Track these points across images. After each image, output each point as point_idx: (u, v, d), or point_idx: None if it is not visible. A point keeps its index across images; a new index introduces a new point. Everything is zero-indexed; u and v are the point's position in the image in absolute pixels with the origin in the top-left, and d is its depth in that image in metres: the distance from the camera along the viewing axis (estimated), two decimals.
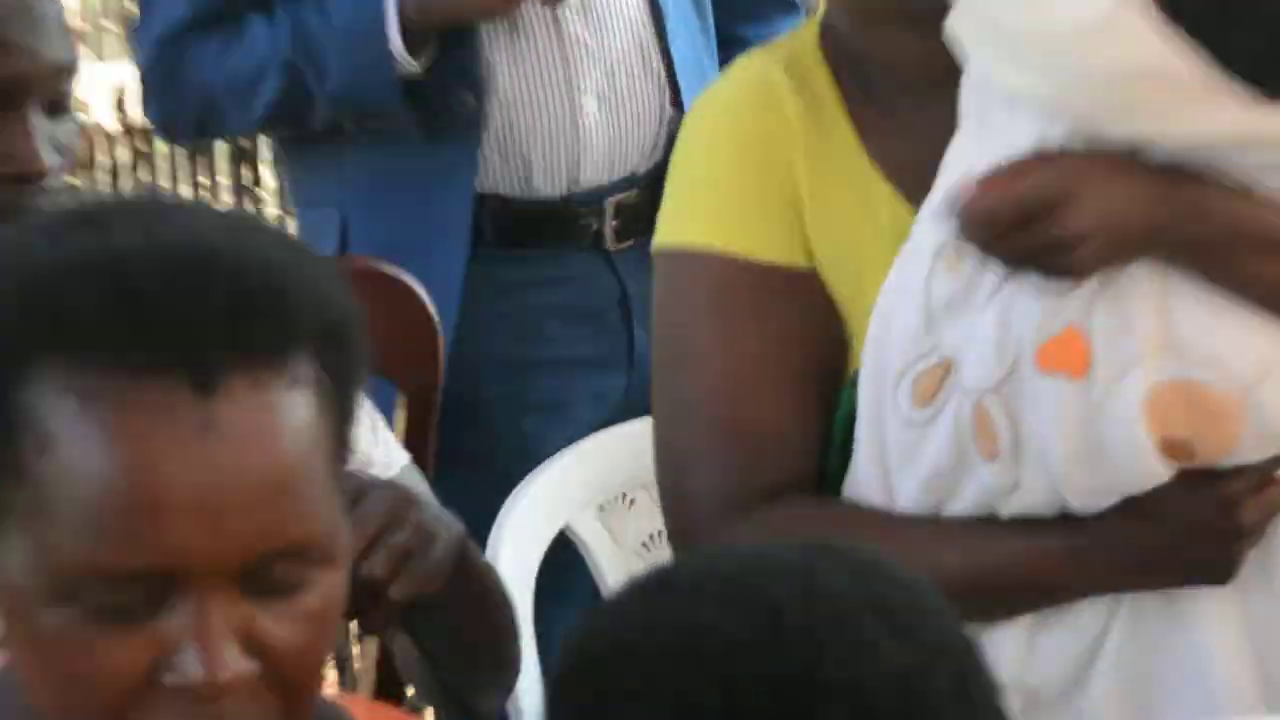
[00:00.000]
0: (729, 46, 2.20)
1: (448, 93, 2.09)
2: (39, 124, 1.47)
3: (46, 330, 0.88)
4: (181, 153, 4.16)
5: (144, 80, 2.22)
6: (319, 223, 2.20)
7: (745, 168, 1.55)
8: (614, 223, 2.16)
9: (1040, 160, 1.34)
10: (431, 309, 1.97)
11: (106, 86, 4.23)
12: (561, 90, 2.13)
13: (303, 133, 2.19)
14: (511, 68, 2.12)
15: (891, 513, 1.46)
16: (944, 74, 1.42)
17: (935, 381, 1.41)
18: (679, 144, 1.62)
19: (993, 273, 1.37)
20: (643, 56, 2.16)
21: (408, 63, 2.06)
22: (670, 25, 2.17)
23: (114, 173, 4.22)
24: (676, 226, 1.58)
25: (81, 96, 3.87)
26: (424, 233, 2.12)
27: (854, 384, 1.50)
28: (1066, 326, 1.35)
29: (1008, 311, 1.37)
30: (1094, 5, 1.29)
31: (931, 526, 1.45)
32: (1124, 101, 1.33)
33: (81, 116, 3.99)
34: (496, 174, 2.13)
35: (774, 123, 1.54)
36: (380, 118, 2.11)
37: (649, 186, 2.10)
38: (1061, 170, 1.34)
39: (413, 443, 1.80)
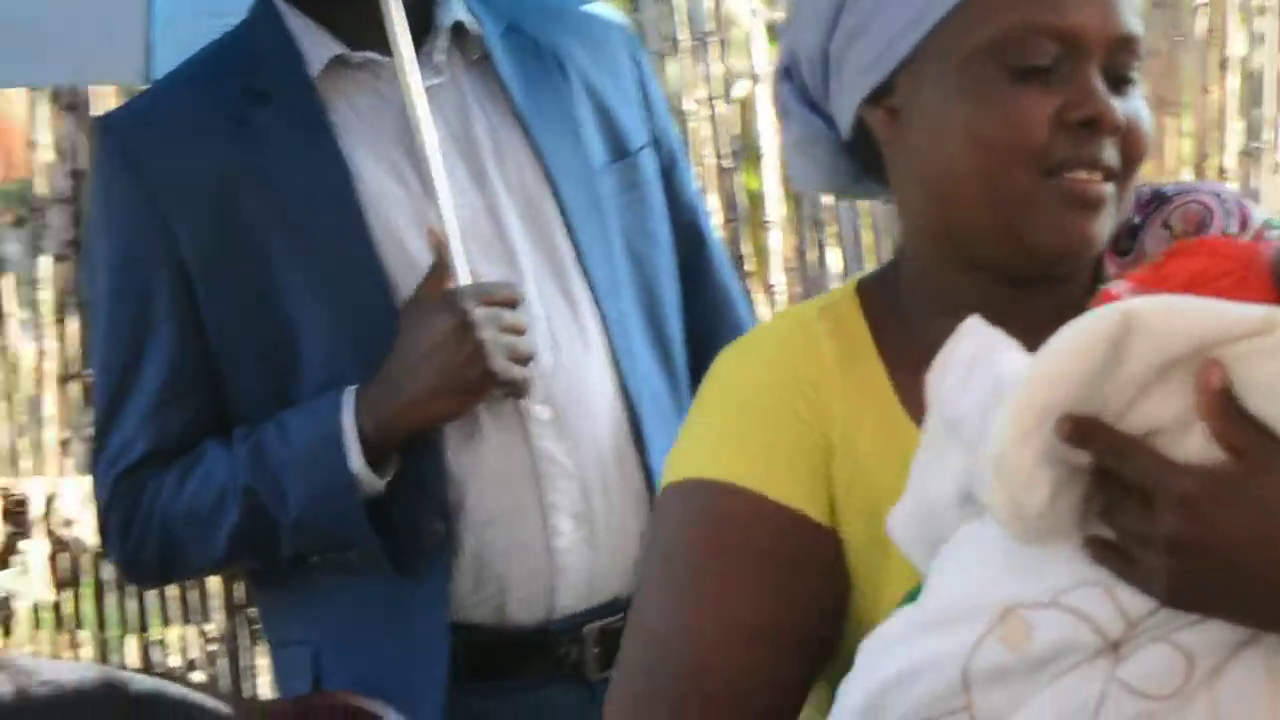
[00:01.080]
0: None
1: (415, 518, 2.06)
2: None
3: None
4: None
5: (103, 522, 2.19)
6: (291, 662, 2.17)
7: (776, 408, 1.49)
8: (595, 650, 2.11)
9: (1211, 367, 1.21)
10: None
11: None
12: (534, 511, 2.10)
13: (270, 565, 2.14)
14: (481, 488, 2.09)
15: None
16: (1001, 312, 1.37)
17: None
18: (703, 388, 1.55)
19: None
20: (621, 471, 2.14)
21: (370, 481, 2.04)
22: (647, 431, 2.14)
23: (99, 592, 4.06)
24: (693, 462, 1.50)
25: (69, 514, 3.79)
26: (400, 668, 2.08)
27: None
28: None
29: (1063, 694, 1.23)
30: None
31: None
32: None
33: (67, 534, 3.92)
34: (470, 602, 2.09)
35: (810, 366, 1.50)
36: (346, 545, 2.08)
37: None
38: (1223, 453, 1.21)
39: None
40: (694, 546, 1.47)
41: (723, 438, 1.50)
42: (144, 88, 2.42)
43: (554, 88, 2.19)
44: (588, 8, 2.41)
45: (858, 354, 1.50)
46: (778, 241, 4.14)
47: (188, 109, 2.14)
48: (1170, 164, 4.05)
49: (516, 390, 2.05)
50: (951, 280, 1.47)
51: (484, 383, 2.03)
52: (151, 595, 3.90)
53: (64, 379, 3.75)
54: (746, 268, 4.09)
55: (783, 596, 1.44)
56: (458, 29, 2.16)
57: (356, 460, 2.04)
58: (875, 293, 1.52)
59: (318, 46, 2.12)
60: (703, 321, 2.26)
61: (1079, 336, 1.22)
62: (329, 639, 2.14)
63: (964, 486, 1.28)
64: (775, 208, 4.17)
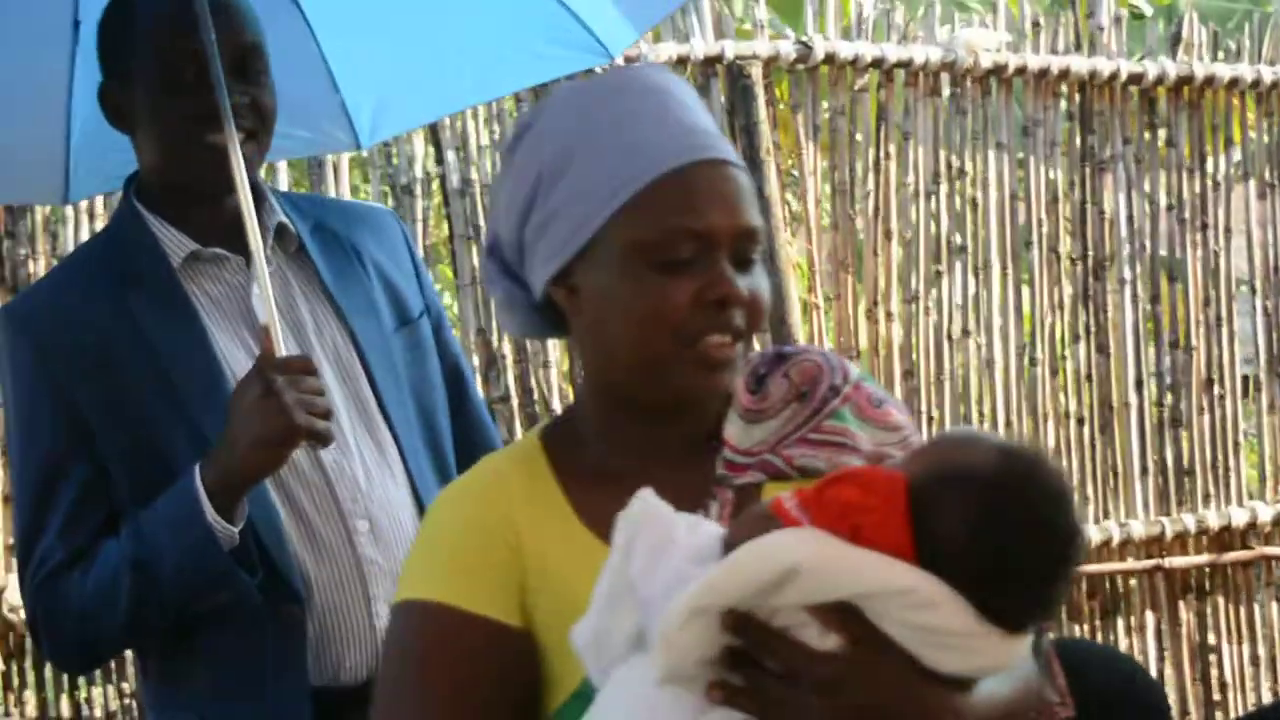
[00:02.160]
0: None
1: (275, 603, 2.48)
2: None
3: None
4: None
5: (31, 624, 2.58)
6: None
7: (472, 537, 1.80)
8: None
9: (835, 614, 1.58)
10: None
11: None
12: (361, 601, 2.55)
13: (166, 624, 2.50)
14: (321, 584, 2.54)
15: None
16: (651, 446, 1.81)
17: None
18: (424, 522, 1.89)
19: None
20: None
21: (224, 528, 2.43)
22: None
23: (38, 661, 4.20)
24: (407, 585, 1.82)
25: (15, 603, 3.90)
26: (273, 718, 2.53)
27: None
28: None
29: None
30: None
31: None
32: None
33: (14, 618, 3.98)
34: (313, 670, 2.53)
35: (499, 499, 1.81)
36: (218, 587, 2.46)
37: None
38: (843, 657, 1.58)
39: None
40: (408, 657, 1.77)
41: (431, 564, 1.80)
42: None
43: (353, 272, 2.67)
44: (367, 206, 2.97)
45: (541, 485, 1.81)
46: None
47: (75, 294, 2.56)
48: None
49: (320, 439, 2.42)
50: (615, 415, 1.81)
51: (289, 434, 2.39)
52: None
53: (5, 499, 4.03)
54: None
55: (484, 688, 1.74)
56: (280, 229, 2.62)
57: (209, 512, 2.42)
58: (553, 436, 1.86)
59: (175, 243, 2.56)
60: (466, 440, 2.71)
61: (752, 565, 1.57)
62: (210, 703, 2.53)
63: (636, 632, 1.61)
64: None
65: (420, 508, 2.58)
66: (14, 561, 2.62)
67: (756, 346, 1.84)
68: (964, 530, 1.59)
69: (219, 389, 2.49)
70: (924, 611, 1.57)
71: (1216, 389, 5.33)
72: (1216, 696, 5.25)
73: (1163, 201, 5.29)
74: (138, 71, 2.54)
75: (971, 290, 5.05)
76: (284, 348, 2.46)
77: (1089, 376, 5.17)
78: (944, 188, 5.01)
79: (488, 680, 1.74)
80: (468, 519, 1.81)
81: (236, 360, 2.53)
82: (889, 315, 4.90)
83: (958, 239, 5.03)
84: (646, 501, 1.65)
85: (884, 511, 1.60)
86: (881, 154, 4.91)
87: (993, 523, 1.59)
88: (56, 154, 2.86)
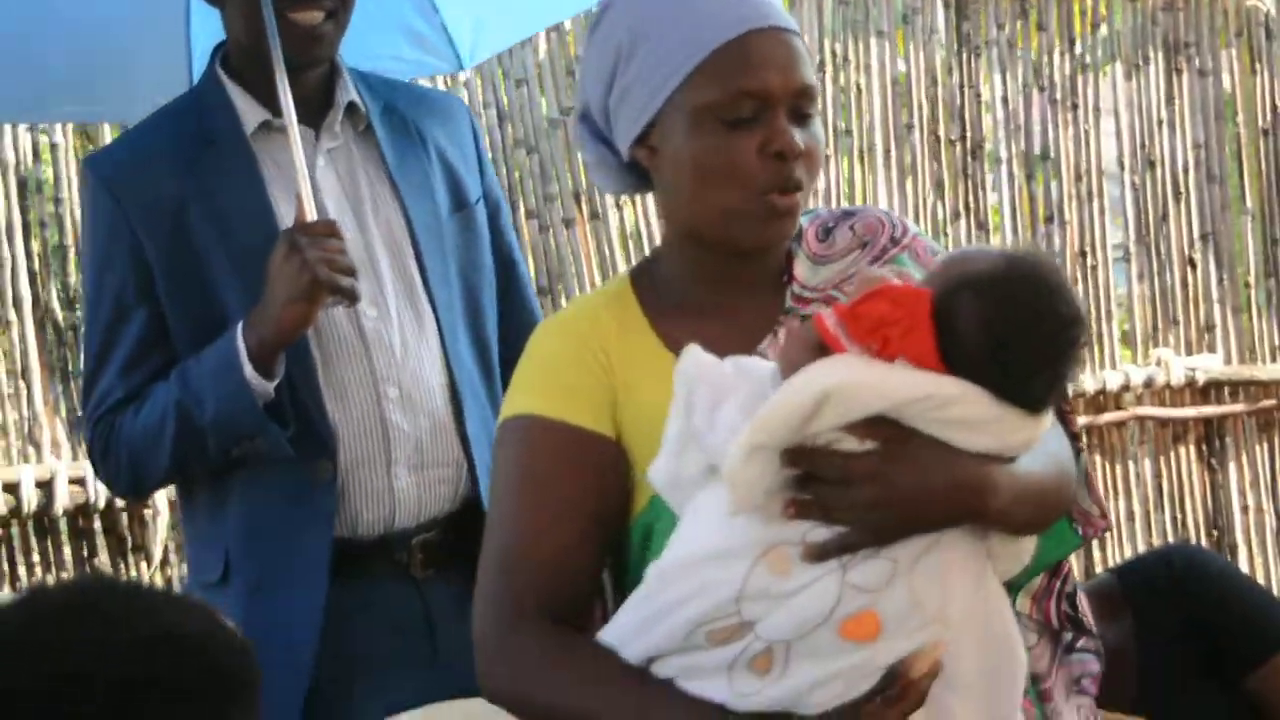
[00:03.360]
0: None
1: (309, 456, 2.66)
2: None
3: None
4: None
5: (90, 453, 2.77)
6: (205, 552, 2.75)
7: (569, 359, 2.02)
8: (419, 556, 2.74)
9: (869, 425, 1.77)
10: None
11: None
12: (383, 462, 2.71)
13: (205, 464, 2.69)
14: (349, 443, 2.70)
15: (610, 661, 1.85)
16: (728, 282, 2.02)
17: (730, 632, 1.79)
18: (524, 354, 2.08)
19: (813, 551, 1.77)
20: (444, 436, 2.75)
21: (259, 383, 2.59)
22: (466, 408, 2.75)
23: None
24: (513, 403, 2.03)
25: None
26: (291, 567, 2.68)
27: (642, 526, 1.96)
28: (865, 610, 1.77)
29: (813, 598, 1.76)
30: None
31: (631, 687, 1.84)
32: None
33: None
34: (334, 522, 2.69)
35: (593, 330, 2.03)
36: (253, 434, 2.63)
37: (448, 529, 2.73)
38: (878, 451, 1.77)
39: None
40: (520, 464, 1.99)
41: (534, 385, 2.03)
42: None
43: (415, 153, 2.80)
44: (438, 94, 3.12)
45: (630, 315, 2.05)
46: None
47: (154, 150, 2.71)
48: None
49: (345, 294, 2.57)
50: (693, 256, 2.03)
51: (313, 289, 2.54)
52: None
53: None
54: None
55: (583, 490, 1.96)
56: (350, 106, 2.76)
57: (246, 366, 2.58)
58: (642, 275, 2.09)
59: (251, 111, 2.72)
60: (514, 323, 2.86)
61: (789, 400, 1.75)
62: (237, 542, 2.71)
63: (704, 469, 1.81)
64: None
65: (452, 381, 2.76)
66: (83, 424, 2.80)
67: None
68: (978, 324, 1.78)
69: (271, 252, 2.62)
70: (947, 408, 1.77)
71: (1089, 259, 5.57)
72: (1094, 549, 5.50)
73: (1035, 85, 5.50)
74: None
75: (858, 173, 5.22)
76: (313, 214, 2.60)
77: None
78: (828, 75, 5.17)
79: (588, 482, 1.97)
80: (566, 344, 2.04)
81: (290, 219, 2.66)
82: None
83: (843, 124, 5.20)
84: (696, 357, 1.85)
85: (910, 322, 1.77)
86: None
87: (1001, 313, 1.78)
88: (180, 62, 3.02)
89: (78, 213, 4.21)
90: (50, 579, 4.21)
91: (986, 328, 1.78)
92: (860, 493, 1.76)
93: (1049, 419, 1.85)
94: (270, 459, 2.65)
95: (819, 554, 1.76)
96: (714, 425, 1.80)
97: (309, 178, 2.64)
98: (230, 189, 2.69)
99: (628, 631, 1.86)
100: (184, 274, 2.67)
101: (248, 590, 2.70)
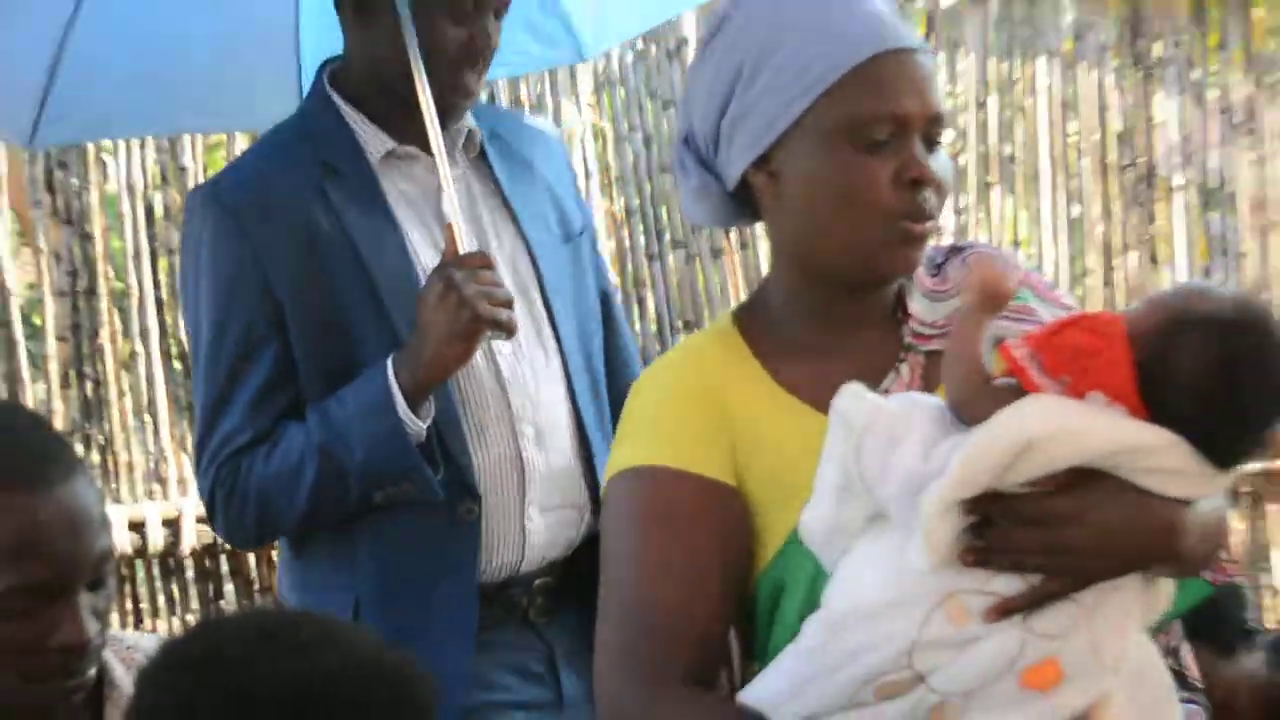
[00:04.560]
0: None
1: (453, 500, 2.59)
2: (83, 601, 1.84)
3: None
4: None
5: (210, 498, 2.65)
6: (332, 606, 2.54)
7: (681, 406, 1.97)
8: (539, 600, 2.68)
9: (1067, 475, 1.75)
10: None
11: None
12: (517, 502, 2.65)
13: (342, 513, 2.60)
14: (488, 483, 2.63)
15: None
16: (843, 318, 1.99)
17: (900, 686, 1.74)
18: (628, 403, 2.03)
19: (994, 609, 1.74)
20: (573, 476, 2.70)
21: (414, 423, 2.52)
22: (594, 447, 2.71)
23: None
24: (625, 454, 1.98)
25: None
26: (432, 619, 2.59)
27: (771, 580, 1.91)
28: (1048, 658, 1.74)
29: (995, 648, 1.73)
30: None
31: None
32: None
33: None
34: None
35: (703, 374, 1.99)
36: (403, 478, 2.55)
37: (565, 573, 2.68)
38: (1076, 492, 1.75)
39: None
40: (642, 518, 1.93)
41: (648, 434, 1.97)
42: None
43: (528, 182, 2.77)
44: (537, 123, 3.15)
45: (738, 357, 2.00)
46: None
47: (278, 178, 2.63)
48: None
49: (505, 328, 2.53)
50: (809, 292, 1.98)
51: (474, 326, 2.49)
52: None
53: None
54: None
55: (711, 543, 1.90)
56: (468, 134, 2.72)
57: (401, 406, 2.51)
58: (746, 315, 2.04)
59: (375, 139, 2.66)
60: (614, 361, 2.83)
61: (991, 449, 1.72)
62: (371, 590, 2.61)
63: (869, 517, 1.78)
64: None
65: (579, 419, 2.71)
66: (198, 470, 2.71)
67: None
68: (1199, 371, 1.74)
69: (410, 284, 2.58)
70: (1146, 458, 1.75)
71: (1266, 295, 5.35)
72: (1268, 604, 5.32)
73: (1213, 107, 5.34)
74: None
75: (1023, 200, 5.16)
76: (466, 245, 2.56)
77: (1140, 287, 5.20)
78: (993, 98, 5.09)
79: (716, 534, 1.91)
80: (675, 389, 1.99)
81: (426, 256, 2.63)
82: (939, 229, 4.92)
83: (1007, 149, 5.12)
84: (860, 396, 1.80)
85: (1110, 354, 1.74)
86: None
87: (1229, 364, 1.74)
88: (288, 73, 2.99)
89: None
90: (175, 620, 4.21)
91: (1209, 375, 1.75)
92: (1058, 536, 1.75)
93: (1232, 475, 1.83)
94: (414, 503, 2.58)
95: (1008, 609, 1.75)
96: (887, 473, 1.77)
97: (453, 201, 2.60)
98: (361, 221, 2.63)
99: (781, 692, 1.80)
100: (316, 308, 2.60)
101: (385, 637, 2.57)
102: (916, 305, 2.00)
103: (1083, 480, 1.76)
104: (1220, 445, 1.78)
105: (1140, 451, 1.75)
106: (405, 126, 2.64)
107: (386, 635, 2.41)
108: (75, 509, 1.85)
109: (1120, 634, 1.79)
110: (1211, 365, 1.75)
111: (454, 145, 2.70)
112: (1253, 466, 5.29)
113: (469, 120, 2.72)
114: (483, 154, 2.75)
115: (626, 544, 1.94)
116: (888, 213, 1.91)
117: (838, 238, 1.93)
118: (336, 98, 2.68)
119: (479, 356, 2.60)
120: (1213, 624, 2.83)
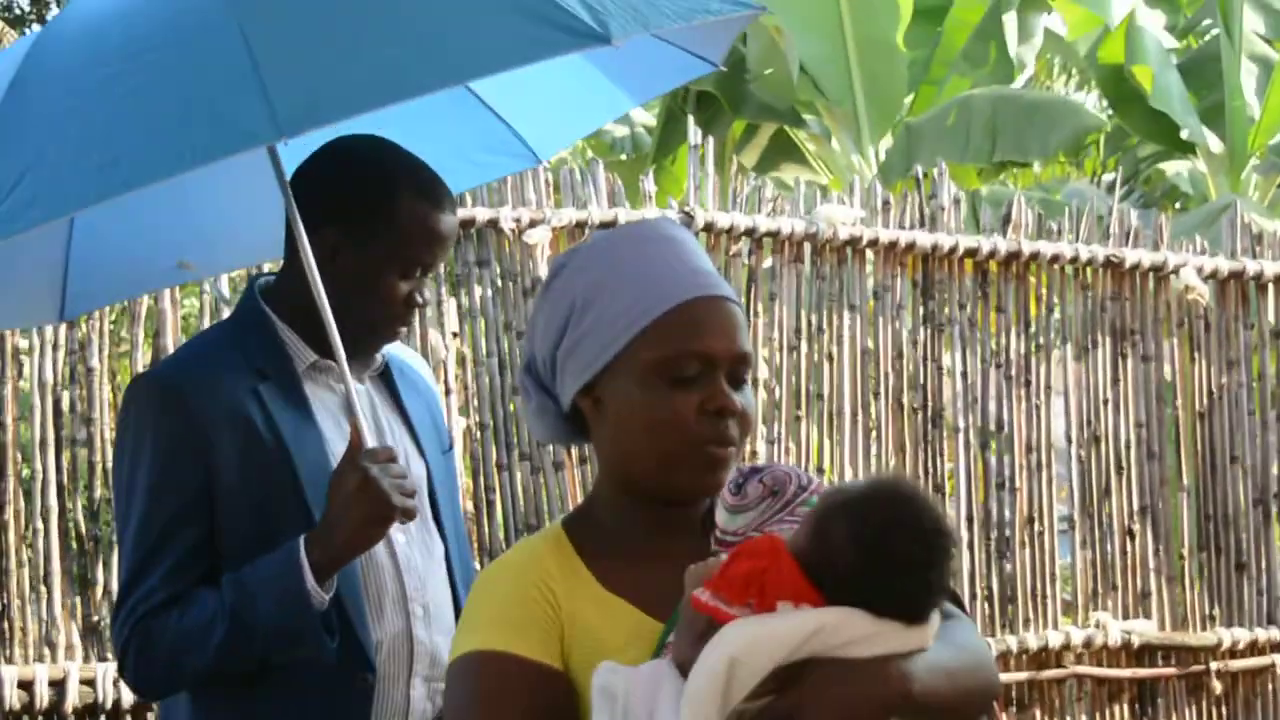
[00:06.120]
0: None
1: (349, 669, 2.79)
2: None
3: None
4: None
5: (123, 650, 2.80)
6: None
7: (515, 597, 2.09)
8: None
9: (772, 679, 1.87)
10: None
11: None
12: (404, 674, 2.87)
13: (245, 669, 2.76)
14: (383, 656, 2.85)
15: None
16: (659, 527, 2.11)
17: None
18: (473, 591, 2.16)
19: None
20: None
21: (318, 594, 2.71)
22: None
23: None
24: (465, 640, 2.09)
25: None
26: None
27: None
28: None
29: None
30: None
31: None
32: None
33: None
34: None
35: (537, 569, 2.11)
36: (303, 641, 2.72)
37: None
38: (789, 683, 1.87)
39: None
40: (477, 694, 2.05)
41: (481, 622, 2.09)
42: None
43: (418, 400, 3.05)
44: (416, 355, 3.37)
45: (567, 559, 2.13)
46: None
47: (217, 371, 2.83)
48: None
49: (409, 515, 2.73)
50: (627, 503, 2.13)
51: (389, 513, 2.70)
52: None
53: None
54: None
55: (534, 719, 2.01)
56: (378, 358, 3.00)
57: (309, 577, 2.70)
58: (576, 522, 2.17)
59: (300, 351, 2.89)
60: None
61: (703, 681, 1.85)
62: None
63: None
64: None
65: (456, 600, 2.93)
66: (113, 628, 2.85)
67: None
68: (844, 542, 1.91)
69: (327, 476, 2.77)
70: (835, 634, 1.88)
71: (1036, 525, 5.90)
72: None
73: (992, 361, 5.89)
74: (378, 237, 2.85)
75: (827, 433, 5.56)
76: (369, 442, 2.76)
77: None
78: (804, 344, 5.54)
79: (538, 711, 2.02)
80: (513, 584, 2.11)
81: (337, 452, 2.82)
82: (753, 454, 5.33)
83: (814, 388, 5.55)
84: (615, 671, 1.96)
85: (776, 567, 1.91)
86: (751, 312, 5.43)
87: (863, 532, 1.91)
88: (55, 279, 3.18)
89: (108, 432, 4.58)
90: None
91: (851, 544, 1.91)
92: None
93: (933, 625, 1.96)
94: (313, 668, 2.75)
95: None
96: None
97: (356, 403, 2.83)
98: (285, 417, 2.83)
99: None
100: (246, 490, 2.78)
101: None
102: (720, 516, 2.09)
103: (794, 673, 1.87)
104: (892, 600, 1.90)
105: (826, 630, 1.86)
106: (320, 340, 2.84)
107: None
108: None
109: None
110: (850, 535, 1.90)
111: (365, 368, 2.94)
112: (1020, 675, 5.79)
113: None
114: (384, 374, 3.01)
115: (465, 718, 2.05)
116: (694, 440, 2.04)
117: (649, 460, 2.07)
118: (269, 311, 2.90)
119: (379, 545, 2.79)
120: None
